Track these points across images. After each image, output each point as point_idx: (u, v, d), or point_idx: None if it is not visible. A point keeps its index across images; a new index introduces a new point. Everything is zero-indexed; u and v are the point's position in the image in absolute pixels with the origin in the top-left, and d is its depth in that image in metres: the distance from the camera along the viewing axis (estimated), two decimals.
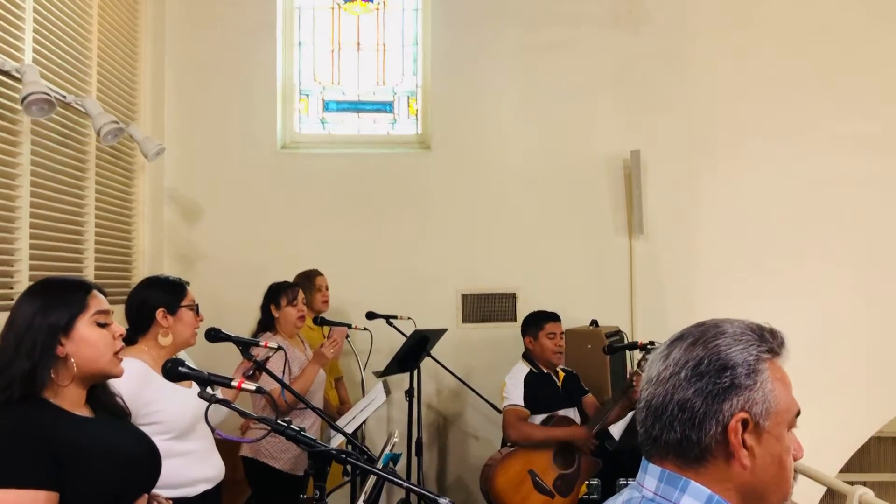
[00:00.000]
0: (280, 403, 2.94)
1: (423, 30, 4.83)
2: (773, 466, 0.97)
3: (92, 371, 1.59)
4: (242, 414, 1.81)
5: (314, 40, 4.87)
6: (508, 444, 3.53)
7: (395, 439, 2.41)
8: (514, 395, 3.52)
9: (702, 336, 1.00)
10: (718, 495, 0.96)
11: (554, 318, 3.68)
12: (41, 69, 2.99)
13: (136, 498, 1.58)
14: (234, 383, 1.82)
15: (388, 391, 3.14)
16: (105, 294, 1.66)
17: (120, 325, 1.67)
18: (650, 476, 1.01)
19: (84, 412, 1.60)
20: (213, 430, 1.79)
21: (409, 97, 4.88)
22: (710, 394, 0.96)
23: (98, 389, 1.66)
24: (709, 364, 0.97)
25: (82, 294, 1.60)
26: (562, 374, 3.72)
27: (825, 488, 3.78)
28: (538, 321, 3.66)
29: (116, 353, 1.63)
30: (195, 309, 2.35)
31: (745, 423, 0.95)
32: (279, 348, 2.75)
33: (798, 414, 1.00)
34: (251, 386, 1.84)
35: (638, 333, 4.53)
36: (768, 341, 0.99)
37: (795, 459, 1.01)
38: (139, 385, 2.10)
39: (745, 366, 0.96)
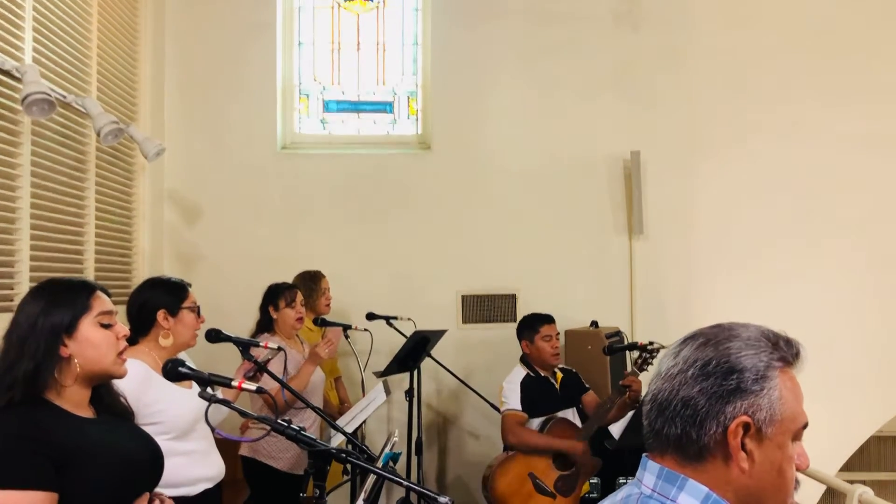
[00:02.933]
0: (279, 403, 2.94)
1: (423, 30, 4.83)
2: (772, 474, 0.97)
3: (95, 371, 1.59)
4: (243, 414, 1.81)
5: (314, 40, 4.87)
6: (506, 447, 3.54)
7: (395, 439, 2.41)
8: (512, 399, 3.53)
9: (714, 337, 1.01)
10: (715, 494, 0.96)
11: (548, 320, 3.67)
12: (41, 69, 3.00)
13: (137, 498, 1.58)
14: (234, 383, 1.82)
15: (388, 391, 3.14)
16: (109, 295, 1.66)
17: (123, 325, 1.68)
18: (649, 473, 1.01)
19: (87, 413, 1.60)
20: (213, 429, 1.80)
21: (409, 97, 4.88)
22: (714, 394, 0.96)
23: (102, 390, 1.66)
24: (717, 365, 0.97)
25: (86, 294, 1.60)
26: (560, 375, 3.72)
27: (825, 487, 3.78)
28: (533, 324, 3.66)
29: (120, 354, 1.63)
30: (196, 310, 2.35)
31: (746, 427, 0.95)
32: (280, 349, 2.75)
33: (805, 426, 1.00)
34: (251, 386, 1.84)
35: (638, 333, 4.53)
36: (782, 350, 0.99)
37: (799, 470, 1.01)
38: (140, 386, 2.11)
39: (753, 371, 0.96)
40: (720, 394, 0.96)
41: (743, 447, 0.95)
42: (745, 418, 0.95)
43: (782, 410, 0.96)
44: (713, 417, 0.96)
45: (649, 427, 1.02)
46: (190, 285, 2.39)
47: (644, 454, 1.04)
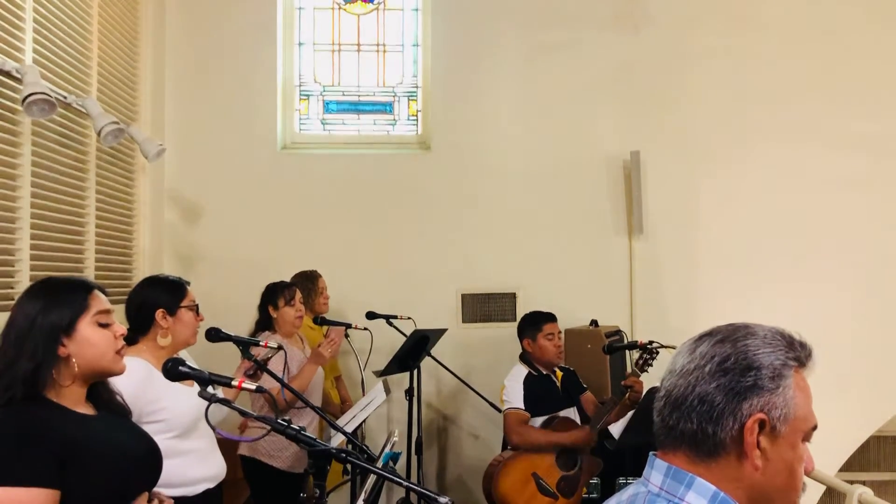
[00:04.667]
0: (280, 402, 2.95)
1: (423, 30, 4.83)
2: (784, 472, 0.98)
3: (94, 370, 1.60)
4: (243, 413, 1.81)
5: (314, 40, 4.88)
6: (509, 447, 3.53)
7: (395, 438, 2.41)
8: (515, 398, 3.50)
9: (732, 334, 1.01)
10: (724, 492, 0.97)
11: (551, 318, 3.67)
12: (41, 69, 3.00)
13: (137, 496, 1.58)
14: (234, 383, 1.82)
15: (388, 390, 3.14)
16: (106, 294, 1.66)
17: (121, 324, 1.68)
18: (656, 471, 1.01)
19: (86, 410, 1.60)
20: (213, 429, 1.80)
21: (409, 98, 4.88)
22: (731, 391, 0.96)
23: (99, 387, 1.66)
24: (735, 362, 0.98)
25: (83, 294, 1.60)
26: (560, 374, 3.72)
27: (824, 487, 3.78)
28: (536, 322, 3.64)
29: (118, 352, 1.63)
30: (195, 309, 2.35)
31: (762, 424, 0.96)
32: (280, 348, 2.75)
33: (815, 428, 1.00)
34: (251, 385, 1.84)
35: (638, 333, 4.53)
36: (797, 350, 1.00)
37: (806, 472, 1.01)
38: (143, 384, 2.11)
39: (770, 369, 0.97)
40: (737, 390, 0.96)
41: (758, 445, 0.96)
42: (761, 415, 0.96)
43: (796, 410, 0.97)
44: (730, 414, 0.96)
45: (662, 423, 1.02)
46: (188, 284, 2.38)
47: (651, 453, 1.04)
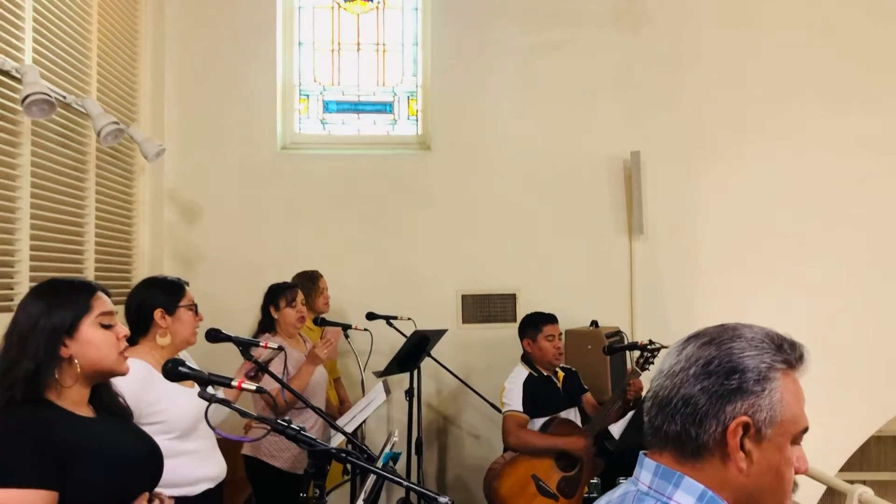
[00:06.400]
0: (280, 403, 2.95)
1: (423, 30, 4.83)
2: (770, 475, 0.97)
3: (97, 370, 1.60)
4: (243, 414, 1.81)
5: (314, 40, 4.88)
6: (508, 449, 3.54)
7: (395, 438, 2.42)
8: (514, 400, 3.51)
9: (718, 336, 1.01)
10: (711, 491, 0.97)
11: (552, 319, 3.67)
12: (41, 69, 3.00)
13: (136, 497, 1.58)
14: (234, 383, 1.82)
15: (388, 391, 3.14)
16: (109, 295, 1.66)
17: (124, 326, 1.68)
18: (646, 470, 1.02)
19: (86, 412, 1.60)
20: (213, 429, 1.80)
21: (409, 98, 4.88)
22: (714, 393, 0.96)
23: (101, 389, 1.66)
24: (719, 364, 0.97)
25: (86, 295, 1.60)
26: (561, 375, 3.72)
27: (825, 487, 3.78)
28: (536, 323, 3.65)
29: (121, 354, 1.63)
30: (194, 309, 2.35)
31: (746, 427, 0.95)
32: (280, 349, 2.75)
33: (805, 430, 1.00)
34: (251, 386, 1.84)
35: (638, 334, 4.53)
36: (786, 352, 0.99)
37: (798, 473, 1.01)
38: (143, 385, 2.11)
39: (755, 372, 0.96)
40: (721, 393, 0.96)
41: (742, 447, 0.96)
42: (744, 418, 0.95)
43: (783, 412, 0.97)
44: (713, 416, 0.96)
45: (649, 424, 1.03)
46: (187, 284, 2.39)
47: (642, 452, 1.05)
